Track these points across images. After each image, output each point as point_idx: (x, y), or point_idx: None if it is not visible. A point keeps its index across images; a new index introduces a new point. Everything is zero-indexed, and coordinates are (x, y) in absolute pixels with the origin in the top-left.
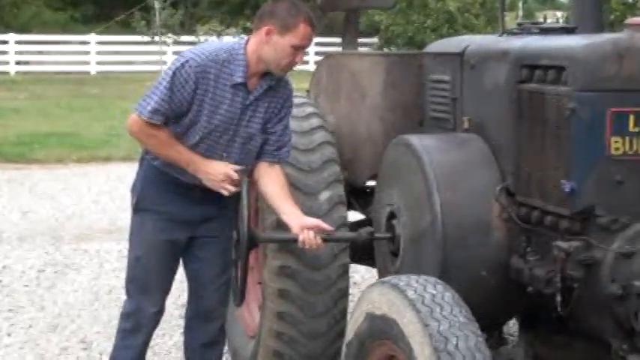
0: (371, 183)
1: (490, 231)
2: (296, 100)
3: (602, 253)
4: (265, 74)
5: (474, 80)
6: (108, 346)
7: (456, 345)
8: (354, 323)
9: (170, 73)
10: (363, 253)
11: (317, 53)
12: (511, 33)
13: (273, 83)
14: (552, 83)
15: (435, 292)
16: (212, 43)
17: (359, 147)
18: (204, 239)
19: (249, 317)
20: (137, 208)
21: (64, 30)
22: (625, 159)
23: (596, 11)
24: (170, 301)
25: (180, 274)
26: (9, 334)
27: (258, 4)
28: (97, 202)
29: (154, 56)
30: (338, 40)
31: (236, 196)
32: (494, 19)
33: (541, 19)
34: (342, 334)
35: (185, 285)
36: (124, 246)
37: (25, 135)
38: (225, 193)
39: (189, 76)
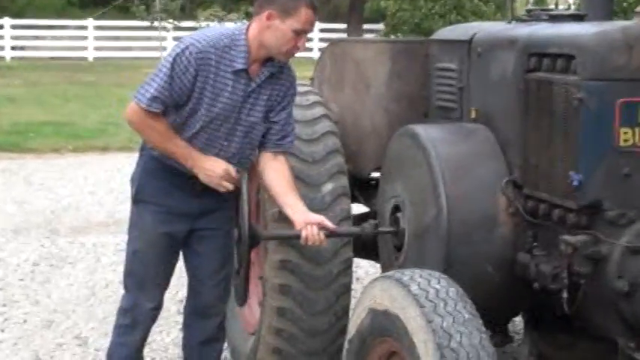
0: (375, 175)
1: (496, 226)
2: (299, 89)
3: (610, 248)
4: (267, 61)
5: (482, 69)
6: (104, 342)
7: (460, 342)
8: (355, 319)
9: (170, 59)
10: (367, 248)
11: (321, 40)
12: (520, 20)
13: (276, 70)
14: (561, 72)
15: (439, 287)
16: (213, 28)
17: (363, 138)
18: (203, 232)
19: (248, 313)
20: (136, 200)
21: (61, 14)
22: (634, 150)
23: None
24: (168, 297)
25: (179, 269)
26: (3, 330)
27: None
28: (93, 193)
29: (153, 42)
30: (343, 26)
31: (236, 189)
32: (503, 5)
33: (552, 6)
34: (343, 331)
35: (183, 280)
36: (121, 239)
37: (20, 123)
38: (223, 190)
39: (189, 62)
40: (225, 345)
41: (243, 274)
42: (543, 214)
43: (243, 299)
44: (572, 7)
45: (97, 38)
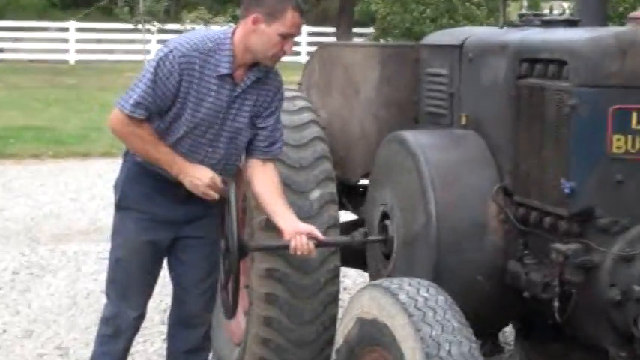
0: (364, 182)
1: (486, 233)
2: (287, 93)
3: (602, 256)
4: (253, 65)
5: (473, 74)
6: (86, 352)
7: (449, 351)
8: (343, 329)
9: (154, 64)
10: (355, 256)
11: (309, 44)
12: (512, 25)
13: (262, 75)
14: (553, 78)
15: (428, 295)
16: (198, 32)
17: (352, 144)
18: (188, 240)
19: (234, 323)
20: (119, 207)
21: (42, 16)
22: (626, 158)
23: (601, 3)
24: (151, 306)
25: (162, 279)
26: None
27: None
28: (75, 200)
29: (137, 45)
30: (332, 29)
31: (222, 198)
32: (496, 9)
33: (547, 11)
34: (331, 341)
35: (167, 290)
36: (103, 247)
37: None
38: (208, 198)
39: (173, 67)
40: (211, 355)
41: (233, 287)
42: (534, 222)
43: (231, 312)
44: (567, 12)
45: (79, 41)
